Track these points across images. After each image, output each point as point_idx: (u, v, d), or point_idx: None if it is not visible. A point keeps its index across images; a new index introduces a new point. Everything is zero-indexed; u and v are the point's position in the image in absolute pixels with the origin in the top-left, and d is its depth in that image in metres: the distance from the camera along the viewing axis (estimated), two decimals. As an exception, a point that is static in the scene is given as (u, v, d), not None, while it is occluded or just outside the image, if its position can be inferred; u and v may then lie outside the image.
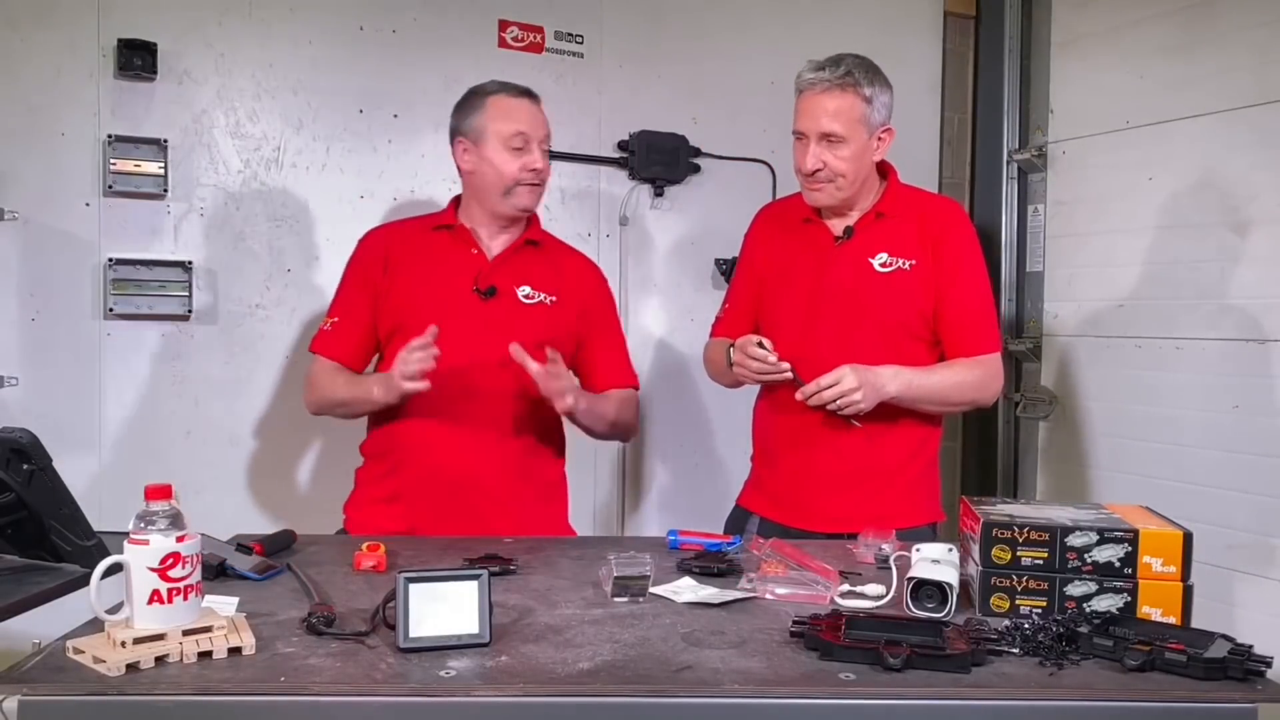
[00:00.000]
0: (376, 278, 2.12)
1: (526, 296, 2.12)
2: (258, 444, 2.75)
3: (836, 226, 2.14)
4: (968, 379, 2.10)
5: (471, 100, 2.11)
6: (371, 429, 2.17)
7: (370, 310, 2.12)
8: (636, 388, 2.27)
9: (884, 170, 2.17)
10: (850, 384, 1.93)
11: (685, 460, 3.28)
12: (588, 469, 3.19)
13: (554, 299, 2.15)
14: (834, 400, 1.95)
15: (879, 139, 2.08)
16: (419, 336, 1.90)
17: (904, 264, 2.09)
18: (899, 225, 2.11)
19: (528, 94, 2.12)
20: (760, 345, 2.00)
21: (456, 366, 2.01)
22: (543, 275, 2.16)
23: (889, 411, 2.05)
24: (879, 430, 2.06)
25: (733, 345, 2.10)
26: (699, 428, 3.26)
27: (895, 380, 2.01)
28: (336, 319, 2.14)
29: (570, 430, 2.21)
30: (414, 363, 1.89)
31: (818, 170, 2.04)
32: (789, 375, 2.00)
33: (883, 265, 2.09)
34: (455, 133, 2.13)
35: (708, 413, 3.25)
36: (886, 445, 2.10)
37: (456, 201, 2.21)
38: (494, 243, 2.15)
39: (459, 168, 2.15)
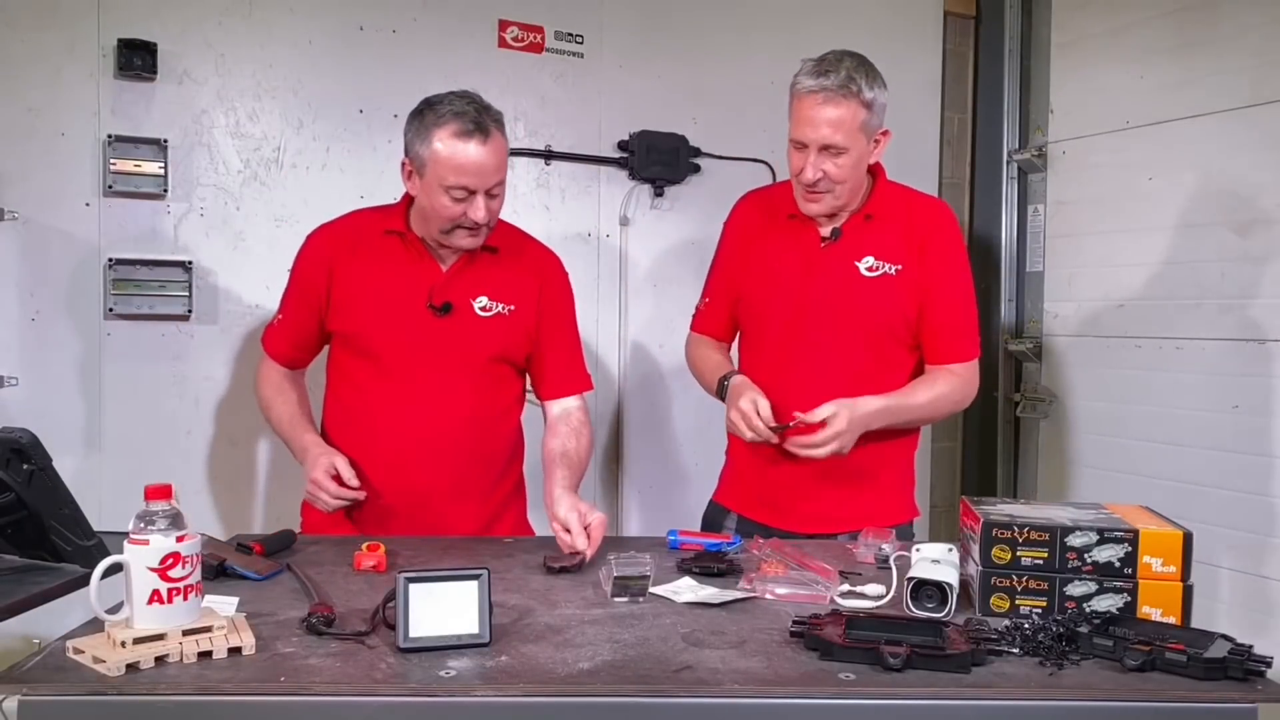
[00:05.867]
0: (318, 287, 2.03)
1: (483, 309, 2.03)
2: (258, 444, 2.76)
3: (823, 226, 2.09)
4: (946, 394, 2.07)
5: (421, 124, 1.92)
6: (327, 432, 2.10)
7: (310, 318, 2.06)
8: (589, 389, 2.19)
9: (872, 169, 2.11)
10: (840, 426, 1.89)
11: (686, 461, 3.29)
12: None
13: (512, 308, 2.05)
14: (826, 452, 1.91)
15: (875, 142, 2.02)
16: (343, 468, 1.90)
17: (890, 269, 2.05)
18: (886, 228, 2.07)
19: (481, 130, 1.88)
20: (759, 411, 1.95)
21: (412, 385, 2.00)
22: (501, 284, 2.05)
23: None
24: (865, 434, 2.00)
25: (726, 379, 2.09)
26: (700, 429, 3.26)
27: (880, 415, 1.98)
28: (281, 318, 2.12)
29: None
30: (327, 499, 1.89)
31: (818, 180, 1.99)
32: (774, 440, 1.97)
33: (869, 270, 2.05)
34: (406, 146, 1.97)
35: (709, 413, 3.25)
36: (867, 447, 2.04)
37: (409, 201, 2.05)
38: (446, 250, 2.03)
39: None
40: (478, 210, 1.91)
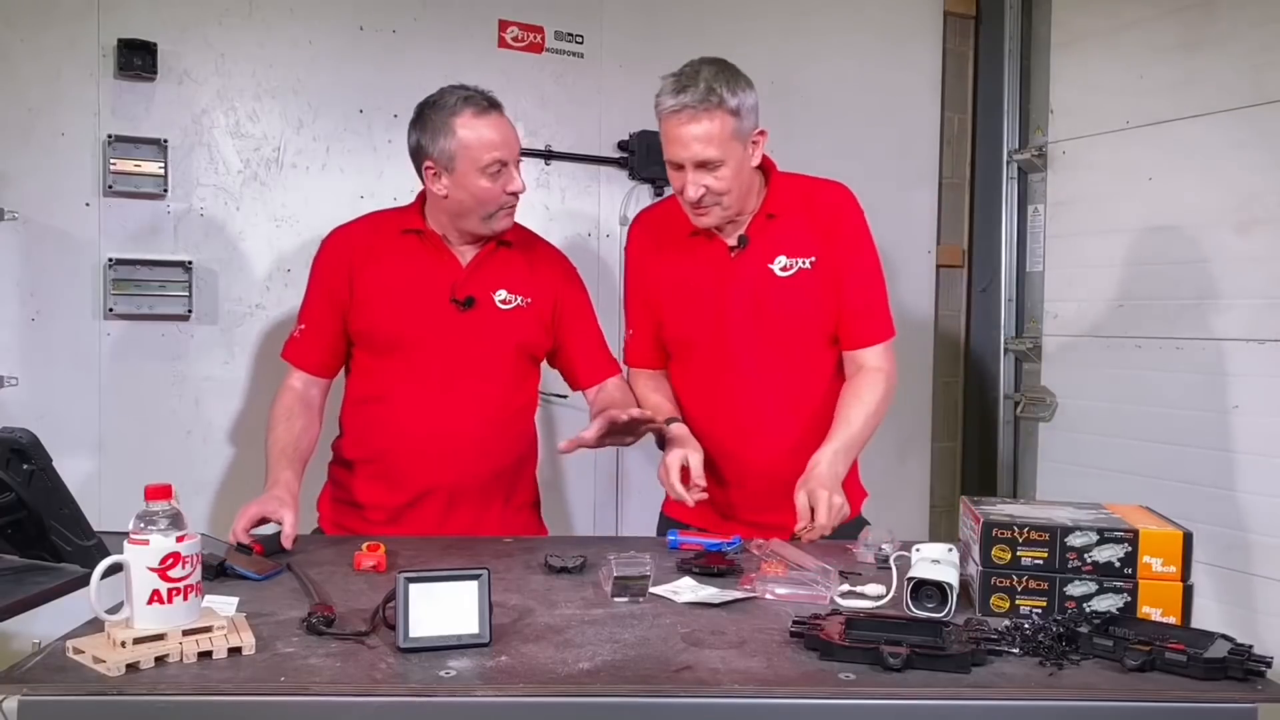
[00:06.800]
0: (340, 288, 2.05)
1: (503, 301, 2.07)
2: (258, 444, 2.74)
3: (728, 236, 2.04)
4: (879, 399, 2.01)
5: (433, 120, 1.96)
6: (347, 434, 2.12)
7: (335, 320, 2.06)
8: (619, 373, 2.23)
9: (763, 166, 2.04)
10: (838, 501, 1.82)
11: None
12: (586, 468, 3.19)
13: (529, 300, 2.09)
14: (831, 524, 1.83)
15: (753, 143, 1.96)
16: (287, 527, 1.81)
17: (804, 263, 2.01)
18: (791, 223, 2.02)
19: (494, 106, 1.98)
20: (685, 474, 1.91)
21: (439, 380, 2.01)
22: (517, 276, 2.09)
23: (813, 425, 1.99)
24: (806, 441, 1.97)
25: (666, 426, 2.02)
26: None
27: (838, 457, 1.91)
28: (304, 326, 2.09)
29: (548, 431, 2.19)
30: (234, 533, 1.79)
31: (702, 196, 1.94)
32: (702, 496, 1.92)
33: (783, 269, 2.02)
34: (419, 153, 2.00)
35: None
36: (807, 455, 1.97)
37: (422, 199, 2.08)
38: (465, 246, 2.07)
39: (427, 188, 2.03)
40: (515, 181, 1.99)
